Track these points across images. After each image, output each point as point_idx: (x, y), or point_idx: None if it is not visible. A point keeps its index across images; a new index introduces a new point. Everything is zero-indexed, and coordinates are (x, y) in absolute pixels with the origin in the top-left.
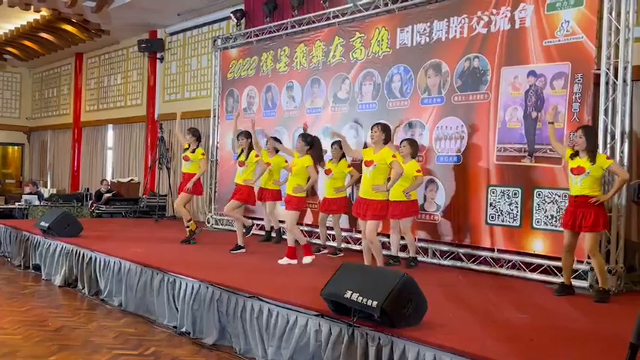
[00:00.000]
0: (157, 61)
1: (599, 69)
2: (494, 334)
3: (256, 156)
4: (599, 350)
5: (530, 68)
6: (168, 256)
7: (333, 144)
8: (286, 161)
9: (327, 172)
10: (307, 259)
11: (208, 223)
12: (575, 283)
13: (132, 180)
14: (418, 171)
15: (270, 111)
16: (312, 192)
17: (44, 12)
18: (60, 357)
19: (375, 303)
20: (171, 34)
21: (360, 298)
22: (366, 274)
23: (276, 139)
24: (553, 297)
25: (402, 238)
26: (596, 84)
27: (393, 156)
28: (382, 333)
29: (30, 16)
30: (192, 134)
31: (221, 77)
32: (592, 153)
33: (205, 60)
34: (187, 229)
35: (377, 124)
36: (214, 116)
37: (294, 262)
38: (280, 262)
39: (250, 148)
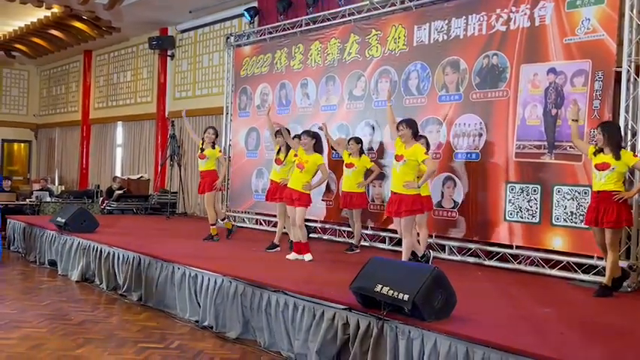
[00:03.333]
0: (168, 58)
1: (620, 66)
2: (523, 327)
3: (295, 155)
4: (627, 345)
5: (550, 66)
6: (188, 251)
7: (349, 140)
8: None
9: (350, 165)
10: (308, 256)
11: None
12: (595, 279)
13: (142, 177)
14: (425, 153)
15: (284, 108)
16: (327, 188)
17: (55, 9)
18: (87, 350)
19: (406, 296)
20: (183, 31)
21: (391, 291)
22: (396, 268)
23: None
24: (574, 292)
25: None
26: (617, 81)
27: (426, 153)
28: (413, 326)
29: (41, 13)
30: (214, 132)
31: (234, 74)
32: (616, 149)
33: (217, 57)
34: (211, 228)
35: (402, 121)
36: (227, 113)
37: (301, 256)
38: (289, 257)
39: (289, 147)
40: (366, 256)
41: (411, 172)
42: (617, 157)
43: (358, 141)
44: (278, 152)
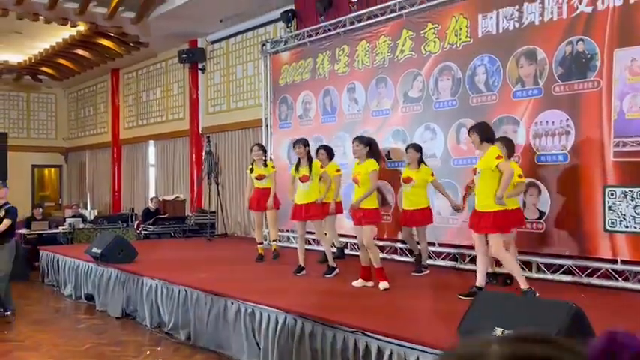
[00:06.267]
0: (199, 71)
1: None
2: None
3: (321, 167)
4: None
5: None
6: (241, 281)
7: (408, 148)
8: (338, 170)
9: (408, 180)
10: (384, 285)
11: (265, 240)
12: None
13: (177, 197)
14: (520, 176)
15: (330, 116)
16: (383, 201)
17: (81, 26)
18: None
19: None
20: (213, 42)
21: None
22: (517, 306)
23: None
24: None
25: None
26: None
27: (498, 157)
28: None
29: (66, 33)
30: (261, 149)
31: (271, 84)
32: None
33: (251, 67)
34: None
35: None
36: (266, 126)
37: (370, 283)
38: (355, 284)
39: (310, 158)
40: (437, 276)
41: (491, 183)
42: None
43: (418, 149)
44: (297, 167)
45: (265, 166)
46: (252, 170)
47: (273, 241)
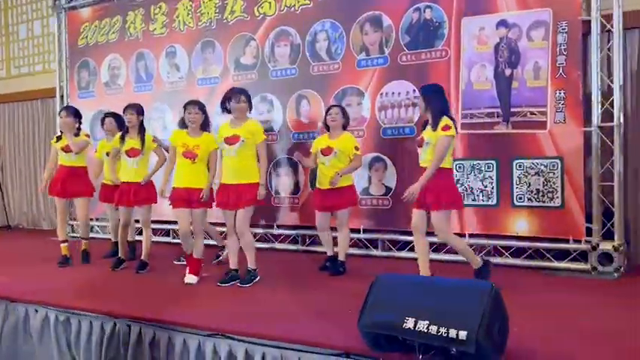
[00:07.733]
0: None
1: (589, 15)
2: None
3: (153, 141)
4: None
5: (499, 17)
6: (45, 284)
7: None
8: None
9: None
10: (191, 278)
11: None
12: (573, 266)
13: None
14: (357, 148)
15: (145, 84)
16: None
17: None
18: None
19: (463, 334)
20: None
21: (435, 327)
22: (427, 290)
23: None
24: (561, 283)
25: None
26: (584, 33)
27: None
28: None
29: None
30: (70, 114)
31: (68, 45)
32: (436, 119)
33: (39, 26)
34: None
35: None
36: (61, 95)
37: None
38: (189, 280)
39: (143, 128)
40: (282, 261)
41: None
42: (435, 128)
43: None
44: (122, 137)
45: (77, 135)
46: (59, 139)
47: (84, 239)
